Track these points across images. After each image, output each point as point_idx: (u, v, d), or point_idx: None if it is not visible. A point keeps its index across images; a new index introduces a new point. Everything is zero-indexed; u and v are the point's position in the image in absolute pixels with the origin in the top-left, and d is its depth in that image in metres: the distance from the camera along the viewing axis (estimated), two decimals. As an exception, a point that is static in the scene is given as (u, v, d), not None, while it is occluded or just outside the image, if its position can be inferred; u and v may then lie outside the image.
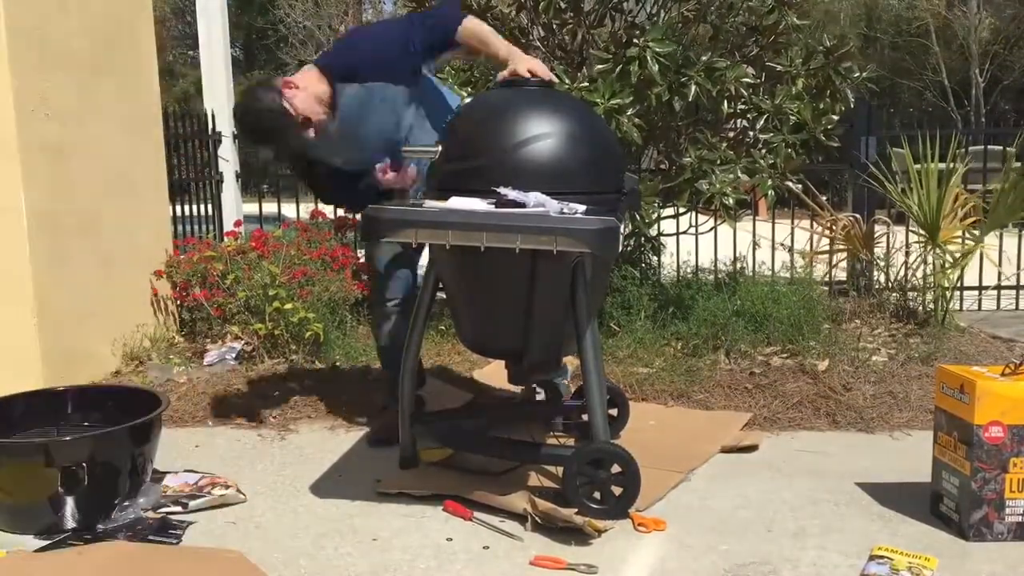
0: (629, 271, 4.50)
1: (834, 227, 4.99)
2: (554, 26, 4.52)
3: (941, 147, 4.69)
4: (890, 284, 4.96)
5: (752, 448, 3.11)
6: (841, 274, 5.44)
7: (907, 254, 4.82)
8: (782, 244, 5.28)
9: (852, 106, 4.62)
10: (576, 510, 2.45)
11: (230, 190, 5.71)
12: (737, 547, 2.36)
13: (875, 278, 5.23)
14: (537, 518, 2.43)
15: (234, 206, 5.74)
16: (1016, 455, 2.35)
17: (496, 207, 2.38)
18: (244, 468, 2.99)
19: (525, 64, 2.67)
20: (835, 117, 4.31)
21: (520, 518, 2.48)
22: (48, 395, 2.91)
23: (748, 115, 4.27)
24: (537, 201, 2.35)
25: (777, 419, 3.41)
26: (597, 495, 2.51)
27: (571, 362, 3.56)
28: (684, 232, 5.03)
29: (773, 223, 5.35)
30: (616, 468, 2.50)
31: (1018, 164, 4.84)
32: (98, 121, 3.95)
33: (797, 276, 4.89)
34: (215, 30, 5.74)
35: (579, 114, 2.68)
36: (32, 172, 3.47)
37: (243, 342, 4.10)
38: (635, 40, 3.86)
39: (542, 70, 2.68)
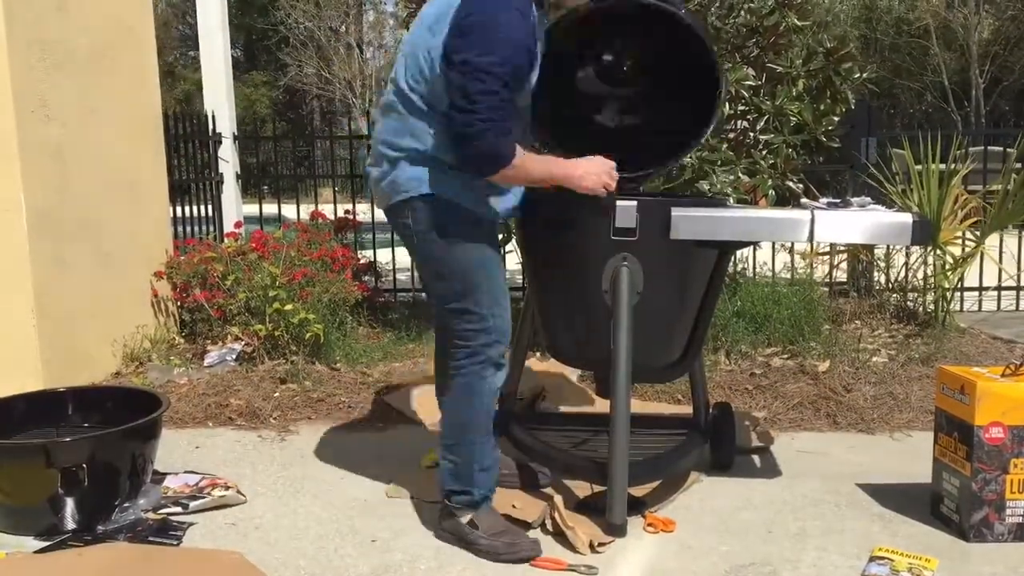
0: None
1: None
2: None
3: (942, 148, 4.69)
4: (890, 285, 4.96)
5: (762, 450, 3.11)
6: (841, 275, 5.44)
7: (907, 255, 4.82)
8: (783, 245, 5.28)
9: (853, 107, 4.61)
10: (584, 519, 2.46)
11: (230, 191, 5.70)
12: (738, 548, 2.36)
13: (875, 279, 5.23)
14: (549, 524, 2.44)
15: (234, 207, 5.73)
16: (1016, 456, 2.35)
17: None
18: (244, 469, 2.99)
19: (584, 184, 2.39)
20: (835, 118, 4.31)
21: (521, 520, 2.48)
22: (48, 396, 2.91)
23: (749, 116, 4.27)
24: (859, 204, 2.65)
25: (777, 420, 3.41)
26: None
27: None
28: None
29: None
30: None
31: (1018, 165, 4.84)
32: (98, 121, 3.95)
33: (798, 277, 4.89)
34: (215, 31, 5.73)
35: None
36: (32, 172, 3.47)
37: (243, 343, 4.10)
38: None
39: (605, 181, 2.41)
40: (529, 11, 2.24)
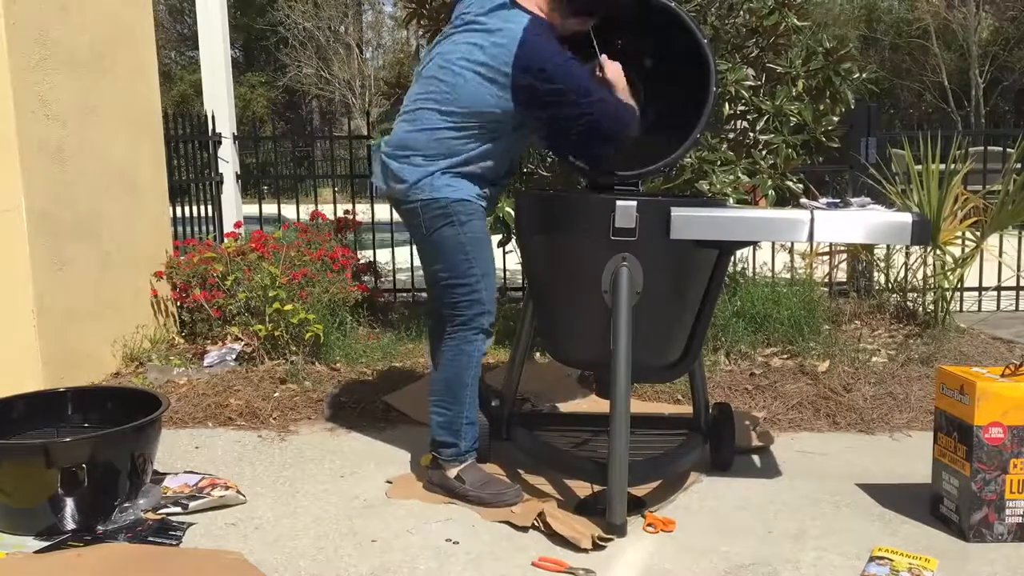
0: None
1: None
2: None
3: (941, 148, 4.69)
4: (890, 285, 4.96)
5: (762, 450, 3.11)
6: (841, 275, 5.44)
7: (907, 255, 4.82)
8: (783, 245, 5.28)
9: (852, 107, 4.61)
10: (583, 520, 2.46)
11: (230, 191, 5.70)
12: (737, 548, 2.36)
13: (875, 279, 5.23)
14: (540, 526, 2.44)
15: (234, 207, 5.73)
16: (1016, 456, 2.35)
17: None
18: (244, 469, 2.99)
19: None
20: (835, 118, 4.31)
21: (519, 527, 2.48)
22: (48, 396, 2.92)
23: (748, 116, 4.27)
24: (859, 204, 2.67)
25: (777, 420, 3.41)
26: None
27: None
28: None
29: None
30: None
31: (1018, 165, 4.85)
32: (98, 121, 3.95)
33: (797, 277, 4.89)
34: (215, 31, 5.73)
35: None
36: (32, 172, 3.47)
37: (243, 343, 4.10)
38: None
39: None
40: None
